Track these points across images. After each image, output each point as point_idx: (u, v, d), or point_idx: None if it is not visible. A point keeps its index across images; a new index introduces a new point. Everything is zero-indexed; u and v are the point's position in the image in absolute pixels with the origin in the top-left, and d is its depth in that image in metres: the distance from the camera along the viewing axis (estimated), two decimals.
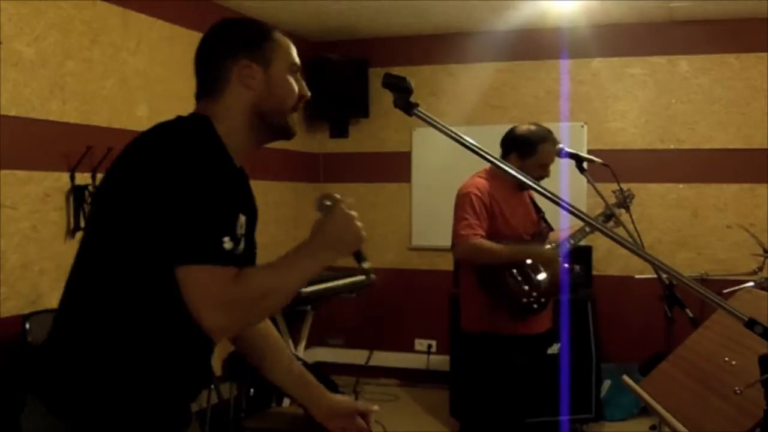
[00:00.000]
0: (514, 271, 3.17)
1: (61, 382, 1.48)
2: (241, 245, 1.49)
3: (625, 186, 3.32)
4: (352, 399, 1.82)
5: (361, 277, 4.93)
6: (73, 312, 1.53)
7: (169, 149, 1.43)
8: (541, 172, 3.22)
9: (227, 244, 1.40)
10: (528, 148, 3.22)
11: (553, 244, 3.30)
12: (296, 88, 1.65)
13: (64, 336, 1.53)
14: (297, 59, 1.66)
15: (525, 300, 3.15)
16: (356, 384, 5.03)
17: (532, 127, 3.30)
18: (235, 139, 1.57)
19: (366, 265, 1.62)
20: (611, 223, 3.25)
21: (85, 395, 1.46)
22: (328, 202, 1.59)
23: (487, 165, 3.12)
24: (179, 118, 1.55)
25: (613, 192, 3.32)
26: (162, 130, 1.48)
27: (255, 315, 1.50)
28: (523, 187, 3.24)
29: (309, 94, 1.68)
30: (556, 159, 3.27)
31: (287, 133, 1.66)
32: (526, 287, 3.16)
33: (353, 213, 1.58)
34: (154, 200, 1.39)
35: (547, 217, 3.44)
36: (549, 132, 3.27)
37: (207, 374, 1.67)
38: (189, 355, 1.55)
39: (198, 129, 1.52)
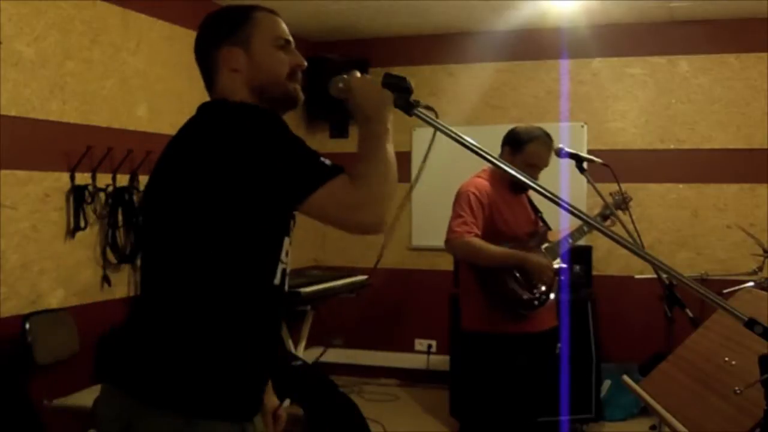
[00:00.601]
0: (515, 271, 3.17)
1: (149, 365, 1.52)
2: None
3: (624, 186, 3.32)
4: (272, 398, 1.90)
5: (362, 277, 4.93)
6: (160, 299, 1.57)
7: (236, 121, 1.51)
8: (527, 171, 3.19)
9: (327, 161, 1.51)
10: (516, 144, 3.23)
11: (549, 244, 3.30)
12: (285, 59, 1.69)
13: (151, 322, 1.56)
14: (282, 32, 1.71)
15: (526, 296, 3.15)
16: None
17: (529, 126, 3.31)
18: None
19: (418, 108, 1.64)
20: (608, 222, 3.25)
21: (173, 376, 1.50)
22: (341, 84, 1.64)
23: (487, 165, 3.12)
24: (210, 106, 1.65)
25: (611, 194, 3.32)
26: (216, 115, 1.57)
27: (385, 194, 1.54)
28: (522, 187, 3.24)
29: (304, 63, 1.72)
30: (557, 159, 3.27)
31: (291, 101, 1.70)
32: (526, 283, 3.16)
33: (363, 75, 1.65)
34: (256, 161, 1.45)
35: (547, 216, 3.44)
36: (544, 135, 3.25)
37: (276, 359, 1.72)
38: (268, 336, 1.63)
39: (228, 105, 1.61)
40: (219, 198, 1.49)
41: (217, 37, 1.68)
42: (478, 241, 3.10)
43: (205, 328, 1.52)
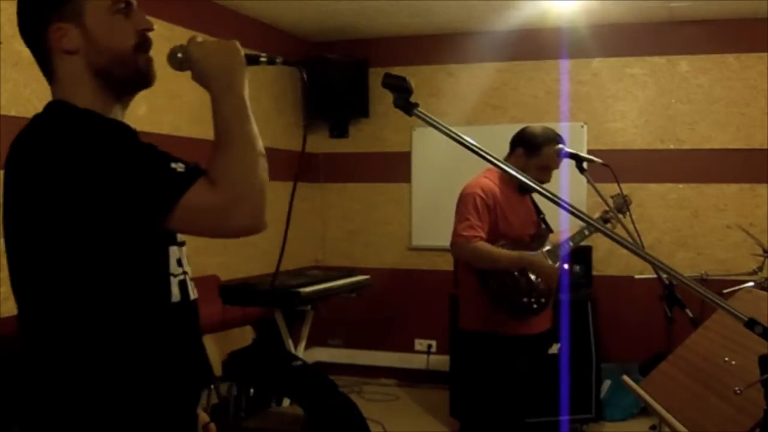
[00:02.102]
0: (515, 271, 3.17)
1: (50, 408, 1.37)
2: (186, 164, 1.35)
3: (624, 186, 3.32)
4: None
5: (362, 277, 4.93)
6: (45, 332, 1.39)
7: (65, 144, 1.30)
8: (541, 174, 3.19)
9: (178, 166, 1.29)
10: (533, 147, 3.22)
11: (550, 246, 3.30)
12: (129, 26, 1.42)
13: (41, 360, 1.40)
14: None
15: (525, 300, 3.15)
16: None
17: (542, 128, 3.31)
18: (99, 104, 1.41)
19: (263, 58, 1.48)
20: (608, 225, 3.25)
21: (78, 416, 1.35)
22: (180, 54, 1.44)
23: (489, 165, 3.12)
24: (48, 115, 1.40)
25: (612, 197, 3.32)
26: (45, 132, 1.35)
27: (254, 186, 1.32)
28: (526, 188, 3.24)
29: (150, 24, 1.46)
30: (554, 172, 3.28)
31: (143, 79, 1.45)
32: (526, 288, 3.16)
33: (205, 38, 1.44)
34: (99, 187, 1.26)
35: (548, 217, 3.44)
36: (558, 136, 3.25)
37: (201, 373, 1.55)
38: (175, 352, 1.44)
39: (68, 114, 1.38)
40: (72, 226, 1.29)
41: (43, 13, 1.38)
42: (486, 246, 3.10)
43: (101, 363, 1.34)
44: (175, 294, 1.43)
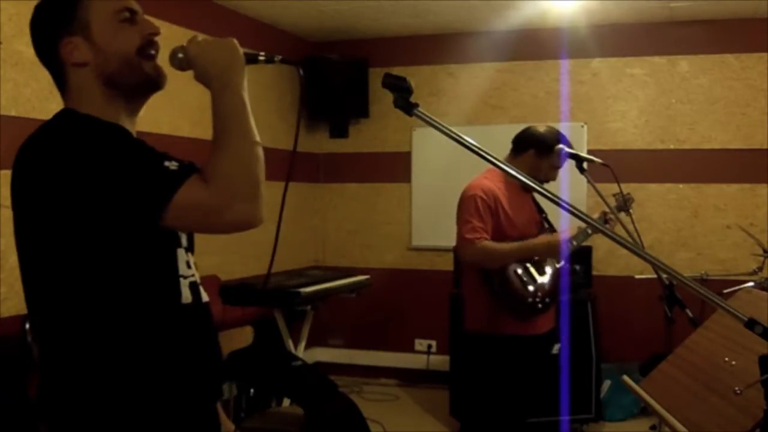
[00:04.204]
0: (519, 271, 3.16)
1: (70, 407, 1.39)
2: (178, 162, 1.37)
3: (624, 186, 3.32)
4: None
5: (362, 277, 4.93)
6: (57, 334, 1.40)
7: (63, 148, 1.34)
8: (552, 173, 3.23)
9: (171, 165, 1.31)
10: (546, 148, 3.22)
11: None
12: (134, 33, 1.45)
13: (56, 364, 1.41)
14: (124, 2, 1.45)
15: (530, 300, 3.14)
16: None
17: (548, 127, 3.32)
18: (109, 112, 1.44)
19: (262, 56, 1.50)
20: (608, 225, 3.24)
21: (97, 414, 1.36)
22: (180, 54, 1.46)
23: (489, 165, 3.11)
24: (53, 122, 1.44)
25: (614, 195, 3.32)
26: (48, 138, 1.38)
27: (251, 176, 1.34)
28: (527, 188, 3.24)
29: (156, 29, 1.48)
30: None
31: (151, 83, 1.49)
32: (531, 287, 3.15)
33: (204, 38, 1.46)
34: (95, 188, 1.29)
35: (548, 217, 3.43)
36: (564, 136, 3.28)
37: (216, 373, 1.56)
38: (189, 347, 1.46)
39: (69, 120, 1.42)
40: (77, 229, 1.32)
41: (52, 31, 1.43)
42: (490, 245, 3.10)
43: (115, 365, 1.36)
44: (186, 295, 1.45)
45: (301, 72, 1.61)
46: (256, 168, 1.35)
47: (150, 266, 1.40)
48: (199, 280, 1.51)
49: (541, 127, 3.33)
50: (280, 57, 1.51)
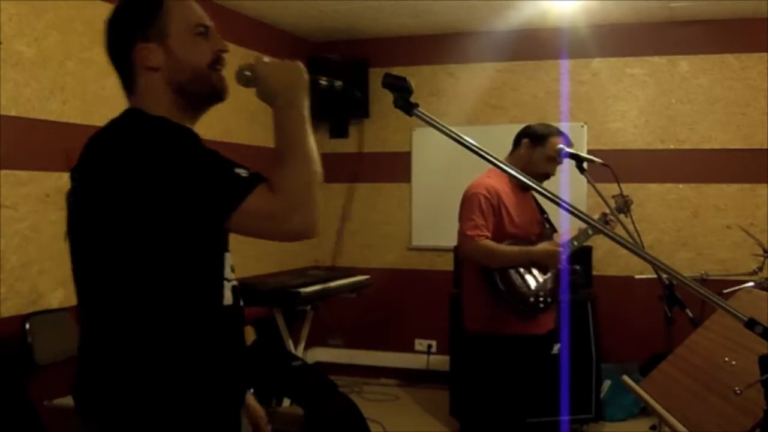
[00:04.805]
0: (521, 270, 3.17)
1: (110, 395, 1.45)
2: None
3: (624, 186, 3.32)
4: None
5: (362, 277, 4.93)
6: (104, 325, 1.48)
7: (146, 142, 1.41)
8: (548, 165, 3.23)
9: (242, 172, 1.40)
10: (537, 137, 3.24)
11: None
12: (207, 47, 1.55)
13: (99, 354, 1.48)
14: (200, 18, 1.56)
15: (532, 299, 3.14)
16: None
17: (549, 124, 3.38)
18: (175, 117, 1.52)
19: (323, 81, 1.60)
20: (608, 226, 3.25)
21: (135, 404, 1.43)
22: (248, 72, 1.53)
23: (490, 165, 3.11)
24: (122, 120, 1.51)
25: (613, 197, 3.32)
26: (129, 134, 1.45)
27: (309, 194, 1.44)
28: (528, 187, 3.24)
29: (225, 46, 1.58)
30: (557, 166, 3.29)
31: (216, 95, 1.57)
32: (533, 286, 3.16)
33: (271, 59, 1.54)
34: (169, 185, 1.36)
35: (549, 218, 3.43)
36: (561, 132, 3.31)
37: (245, 373, 1.64)
38: (228, 358, 1.54)
39: (141, 119, 1.49)
40: (143, 225, 1.40)
41: (129, 35, 1.52)
42: (491, 244, 3.10)
43: (156, 355, 1.43)
44: (228, 298, 1.53)
45: (359, 94, 1.66)
46: (317, 183, 1.46)
47: (201, 267, 1.48)
48: (238, 285, 1.58)
49: (538, 123, 3.37)
50: (340, 83, 1.63)
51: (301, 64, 1.54)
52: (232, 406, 1.58)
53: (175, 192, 1.36)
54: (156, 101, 1.52)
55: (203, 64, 1.54)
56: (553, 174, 3.27)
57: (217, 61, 1.56)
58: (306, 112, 1.50)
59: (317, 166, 1.47)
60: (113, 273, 1.44)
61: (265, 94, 1.51)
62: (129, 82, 1.55)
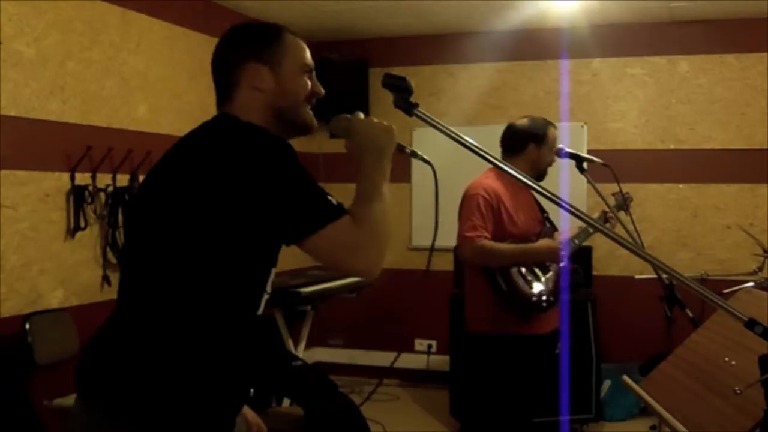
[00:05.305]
0: (523, 270, 3.16)
1: (124, 381, 1.48)
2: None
3: (624, 186, 3.32)
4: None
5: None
6: (140, 314, 1.53)
7: (248, 145, 1.49)
8: (552, 157, 3.27)
9: (333, 199, 1.51)
10: (539, 137, 3.26)
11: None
12: (308, 85, 1.69)
13: (131, 338, 1.52)
14: (309, 60, 1.71)
15: (534, 299, 3.14)
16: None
17: (530, 117, 3.37)
18: None
19: (408, 149, 1.76)
20: (608, 225, 3.25)
21: (148, 395, 1.47)
22: (346, 123, 1.67)
23: (489, 165, 3.11)
24: (224, 122, 1.59)
25: (613, 194, 3.32)
26: (226, 134, 1.54)
27: (386, 237, 1.56)
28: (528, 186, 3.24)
29: (323, 91, 1.73)
30: (556, 159, 3.29)
31: (306, 128, 1.71)
32: (535, 285, 3.15)
33: (370, 118, 1.68)
34: (262, 191, 1.44)
35: (549, 217, 3.43)
36: (548, 120, 3.36)
37: (253, 378, 1.69)
38: (246, 363, 1.59)
39: (243, 124, 1.58)
40: (218, 224, 1.46)
41: (245, 53, 1.65)
42: (490, 244, 3.10)
43: (186, 353, 1.49)
44: (261, 309, 1.62)
45: (433, 167, 1.83)
46: (390, 228, 1.58)
47: (252, 277, 1.56)
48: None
49: (524, 120, 3.35)
50: (421, 154, 1.82)
51: (394, 129, 1.68)
52: (235, 409, 1.63)
53: (267, 200, 1.44)
54: (254, 117, 1.61)
55: (303, 97, 1.68)
56: (553, 163, 3.30)
57: (312, 98, 1.71)
58: (388, 171, 1.64)
59: (389, 215, 1.58)
60: (170, 265, 1.49)
61: (355, 149, 1.65)
62: (227, 95, 1.66)
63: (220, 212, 1.45)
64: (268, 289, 1.61)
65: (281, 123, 1.65)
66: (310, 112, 1.71)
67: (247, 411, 1.83)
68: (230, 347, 1.54)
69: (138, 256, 1.57)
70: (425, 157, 1.80)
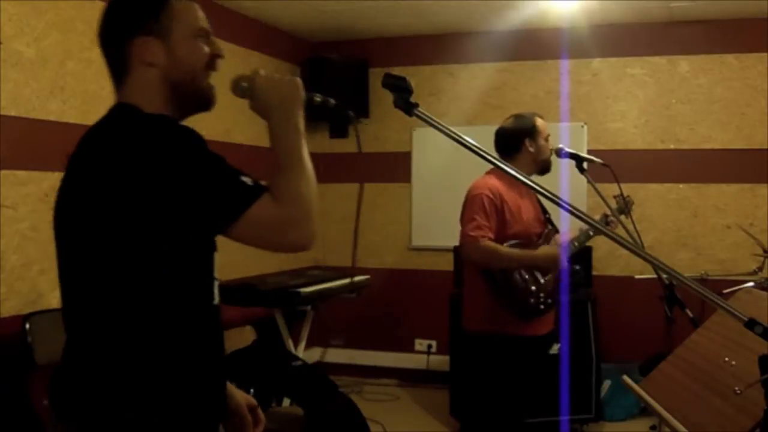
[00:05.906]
0: (522, 271, 3.16)
1: (96, 401, 1.43)
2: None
3: (624, 186, 3.32)
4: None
5: (362, 277, 4.93)
6: (91, 325, 1.47)
7: (150, 140, 1.39)
8: (548, 146, 3.28)
9: (247, 179, 1.40)
10: (532, 128, 3.28)
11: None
12: (205, 50, 1.56)
13: (85, 354, 1.48)
14: (203, 21, 1.57)
15: (533, 301, 3.14)
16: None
17: (515, 115, 3.41)
18: (167, 113, 1.52)
19: (318, 98, 1.62)
20: (609, 227, 3.25)
21: (118, 407, 1.42)
22: (245, 84, 1.55)
23: (490, 165, 3.11)
24: (119, 116, 1.48)
25: (614, 197, 3.32)
26: (126, 132, 1.43)
27: (312, 205, 1.46)
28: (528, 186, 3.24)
29: (222, 52, 1.59)
30: (557, 159, 3.29)
31: (204, 102, 1.57)
32: (534, 288, 3.15)
33: (269, 73, 1.56)
34: (172, 187, 1.35)
35: (551, 217, 3.43)
36: (534, 112, 3.40)
37: (225, 371, 1.64)
38: (214, 356, 1.55)
39: (141, 116, 1.47)
40: (137, 226, 1.37)
41: (130, 26, 1.51)
42: (493, 245, 3.10)
43: (146, 356, 1.42)
44: (216, 296, 1.55)
45: (352, 114, 1.70)
46: (317, 195, 1.47)
47: (194, 268, 1.49)
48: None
49: (510, 120, 3.39)
50: (333, 102, 1.65)
51: (298, 80, 1.56)
52: (214, 409, 1.57)
53: (179, 195, 1.35)
54: (150, 98, 1.50)
55: (201, 65, 1.54)
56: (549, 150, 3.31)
57: (212, 64, 1.57)
58: (302, 127, 1.51)
59: (313, 178, 1.48)
60: (104, 272, 1.42)
61: (261, 108, 1.53)
62: (120, 74, 1.54)
63: (136, 214, 1.37)
64: (217, 275, 1.54)
65: (179, 96, 1.53)
66: (209, 83, 1.57)
67: (241, 405, 1.76)
68: (191, 342, 1.48)
69: (73, 269, 1.49)
70: (342, 107, 1.66)
